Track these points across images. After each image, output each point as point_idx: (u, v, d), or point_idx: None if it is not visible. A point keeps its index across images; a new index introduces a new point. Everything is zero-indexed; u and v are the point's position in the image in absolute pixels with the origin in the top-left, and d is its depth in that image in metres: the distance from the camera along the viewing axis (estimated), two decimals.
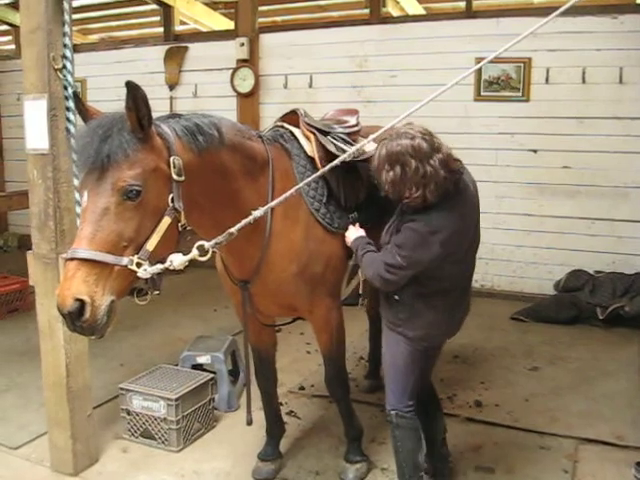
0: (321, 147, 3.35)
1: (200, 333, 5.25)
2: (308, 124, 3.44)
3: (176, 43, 9.09)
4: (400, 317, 3.04)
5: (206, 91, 8.76)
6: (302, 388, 4.91)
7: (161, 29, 9.43)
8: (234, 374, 4.88)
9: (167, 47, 9.05)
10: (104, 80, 8.76)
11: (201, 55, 8.85)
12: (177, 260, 2.47)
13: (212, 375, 4.38)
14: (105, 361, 5.19)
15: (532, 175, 7.12)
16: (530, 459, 3.88)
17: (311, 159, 3.32)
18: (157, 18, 9.67)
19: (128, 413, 4.14)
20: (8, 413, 4.51)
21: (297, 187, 2.78)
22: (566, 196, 7.02)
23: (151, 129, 2.46)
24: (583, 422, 4.30)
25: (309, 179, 2.85)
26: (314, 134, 3.37)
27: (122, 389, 4.17)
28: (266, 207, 2.67)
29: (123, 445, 4.11)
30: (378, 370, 4.77)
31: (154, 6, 9.36)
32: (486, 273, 7.36)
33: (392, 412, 3.16)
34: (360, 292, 3.40)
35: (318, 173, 2.81)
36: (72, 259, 2.32)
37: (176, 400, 3.98)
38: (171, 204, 2.49)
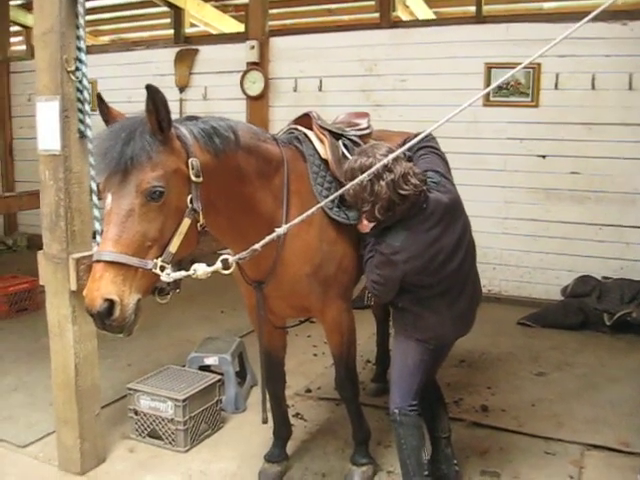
0: (335, 149, 3.40)
1: (208, 334, 5.26)
2: (321, 127, 3.48)
3: (186, 45, 9.14)
4: (407, 322, 3.20)
5: (216, 93, 8.79)
6: (309, 391, 4.92)
7: (171, 31, 9.48)
8: (241, 376, 4.89)
9: (177, 49, 9.09)
10: (115, 82, 8.83)
11: (211, 58, 8.88)
12: (200, 270, 2.54)
13: (219, 377, 4.40)
14: (113, 361, 5.21)
15: (541, 180, 7.12)
16: (536, 464, 3.87)
17: (325, 161, 3.37)
18: (167, 20, 9.73)
19: (136, 413, 4.17)
20: (16, 412, 4.53)
21: (319, 205, 2.81)
22: (574, 202, 7.02)
23: (170, 131, 2.52)
24: (589, 428, 4.29)
25: (332, 197, 2.91)
26: (326, 137, 3.42)
27: (130, 389, 4.19)
28: (290, 224, 2.72)
29: (130, 445, 4.13)
30: (385, 373, 4.78)
31: (165, 8, 9.42)
32: (494, 278, 7.35)
33: (395, 410, 3.23)
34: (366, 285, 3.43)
35: (341, 191, 2.86)
36: (99, 261, 2.39)
37: (184, 401, 3.99)
38: (190, 205, 2.56)
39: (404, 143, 3.33)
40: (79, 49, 3.49)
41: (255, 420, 4.38)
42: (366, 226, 3.21)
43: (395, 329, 3.35)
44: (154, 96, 2.40)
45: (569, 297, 6.82)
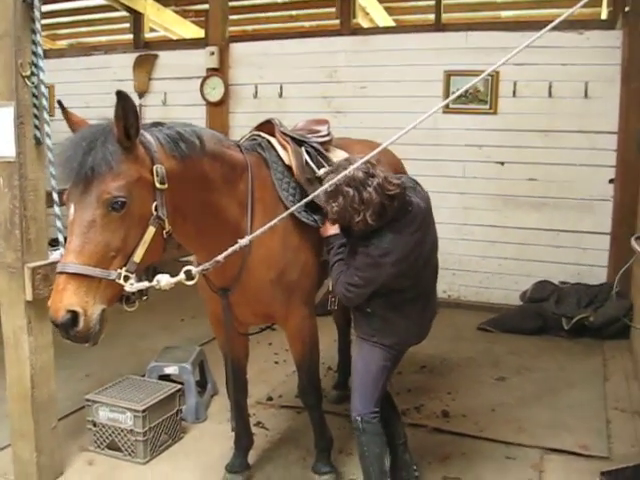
0: (298, 156, 3.40)
1: (167, 343, 5.20)
2: (283, 133, 3.49)
3: (146, 51, 9.04)
4: (374, 327, 3.18)
5: (175, 99, 8.71)
6: (270, 399, 4.88)
7: (131, 36, 9.38)
8: (202, 385, 4.84)
9: (137, 55, 8.99)
10: (72, 87, 8.67)
11: (171, 63, 8.81)
12: (164, 281, 2.54)
13: (180, 386, 4.34)
14: (71, 372, 5.10)
15: (499, 187, 7.22)
16: (497, 469, 3.90)
17: (288, 167, 3.37)
18: (127, 25, 9.62)
19: (94, 425, 4.09)
20: None
21: (288, 212, 2.81)
22: (532, 208, 7.12)
23: (136, 139, 2.49)
24: (548, 432, 4.34)
25: (300, 204, 2.89)
26: (289, 143, 3.43)
27: (88, 400, 4.11)
28: (253, 235, 2.70)
29: (89, 457, 4.05)
30: (347, 381, 4.77)
31: (124, 13, 9.30)
32: (452, 283, 7.42)
33: (357, 417, 3.22)
34: (330, 289, 3.43)
35: (308, 198, 2.83)
36: (62, 273, 2.37)
37: (143, 411, 3.93)
38: (155, 212, 2.54)
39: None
40: (35, 54, 3.42)
41: (216, 430, 4.37)
42: (328, 229, 3.23)
43: (358, 335, 3.32)
44: (124, 103, 2.37)
45: (527, 302, 6.91)
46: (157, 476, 3.86)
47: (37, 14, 3.39)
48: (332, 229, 3.24)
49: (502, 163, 7.17)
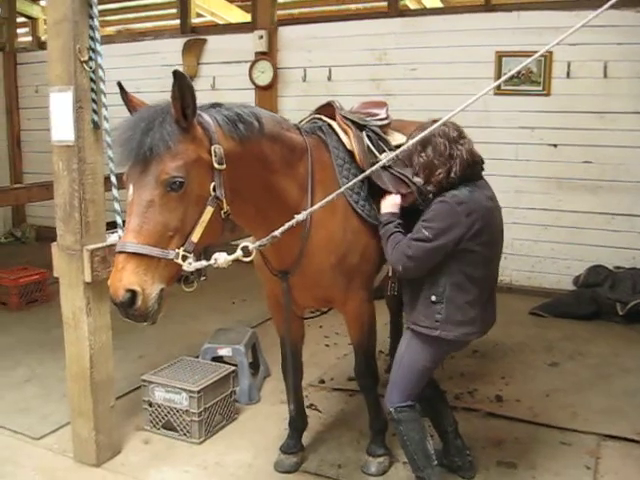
0: (360, 141, 3.37)
1: (219, 325, 5.26)
2: (344, 117, 3.46)
3: (194, 36, 9.08)
4: (438, 319, 3.01)
5: (224, 84, 8.73)
6: (322, 381, 4.90)
7: (178, 21, 9.43)
8: (255, 367, 4.88)
9: (185, 40, 9.03)
10: (122, 72, 8.71)
11: (219, 48, 8.83)
12: (221, 259, 2.56)
13: (233, 367, 4.38)
14: (125, 353, 5.18)
15: (552, 170, 7.07)
16: (552, 455, 3.86)
17: (350, 152, 3.34)
18: (174, 10, 9.68)
19: (150, 405, 4.16)
20: (30, 403, 4.54)
21: (341, 190, 2.81)
22: (586, 191, 6.97)
23: (194, 119, 2.50)
24: (604, 418, 4.27)
25: (353, 182, 2.86)
26: (350, 128, 3.39)
27: (144, 381, 4.18)
28: (308, 211, 2.73)
29: (145, 437, 4.13)
30: None
31: None
32: (505, 268, 7.26)
33: (391, 409, 3.19)
34: (389, 274, 3.39)
35: (363, 175, 2.83)
36: (121, 252, 2.40)
37: (198, 392, 3.98)
38: (213, 193, 2.55)
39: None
40: (93, 39, 3.47)
41: (269, 411, 4.42)
42: (387, 205, 3.20)
43: (414, 328, 3.11)
44: (181, 82, 2.39)
45: (581, 287, 6.79)
46: (212, 456, 3.91)
47: None
48: (390, 200, 3.19)
49: (555, 145, 7.02)
